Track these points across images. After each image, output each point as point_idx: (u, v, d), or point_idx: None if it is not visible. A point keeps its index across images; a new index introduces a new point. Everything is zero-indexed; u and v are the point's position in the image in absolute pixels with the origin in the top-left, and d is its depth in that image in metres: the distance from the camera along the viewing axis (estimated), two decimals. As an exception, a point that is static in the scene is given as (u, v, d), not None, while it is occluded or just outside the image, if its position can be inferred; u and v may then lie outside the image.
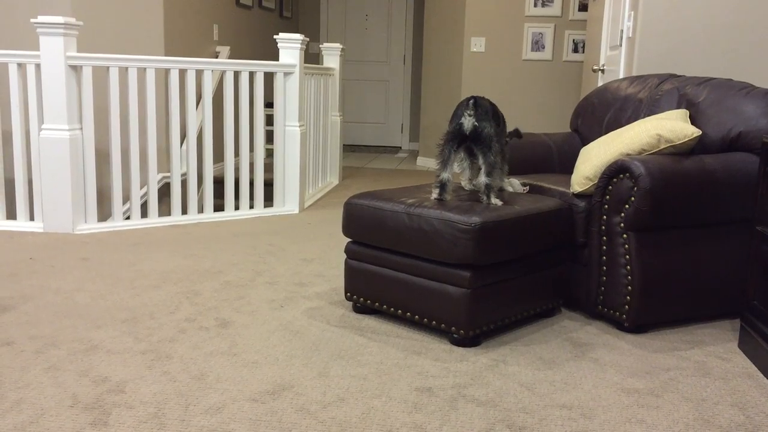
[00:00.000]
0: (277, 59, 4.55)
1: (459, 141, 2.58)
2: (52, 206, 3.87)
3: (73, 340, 2.39)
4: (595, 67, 4.52)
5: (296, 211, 4.63)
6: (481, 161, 2.56)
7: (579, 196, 2.73)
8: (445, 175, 2.57)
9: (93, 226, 3.97)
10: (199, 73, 5.34)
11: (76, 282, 3.04)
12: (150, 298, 2.86)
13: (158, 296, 2.88)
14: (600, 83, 4.49)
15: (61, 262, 3.33)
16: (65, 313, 2.66)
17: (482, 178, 2.56)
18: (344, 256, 3.53)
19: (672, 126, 2.64)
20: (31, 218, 4.28)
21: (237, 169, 5.65)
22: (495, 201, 2.53)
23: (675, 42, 3.65)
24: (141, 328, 2.53)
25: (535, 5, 6.43)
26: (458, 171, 2.75)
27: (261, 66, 4.42)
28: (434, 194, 2.57)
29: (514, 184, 2.84)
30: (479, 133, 2.53)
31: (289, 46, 4.48)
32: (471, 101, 2.55)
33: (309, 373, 2.18)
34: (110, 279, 3.09)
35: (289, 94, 4.51)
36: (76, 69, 3.84)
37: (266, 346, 2.39)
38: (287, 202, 4.63)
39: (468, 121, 2.53)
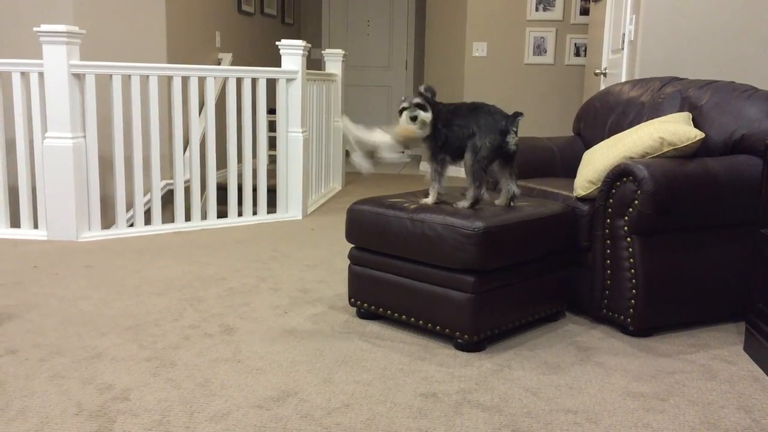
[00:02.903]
0: (280, 65, 4.56)
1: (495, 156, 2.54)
2: (56, 214, 3.88)
3: (78, 348, 2.40)
4: (597, 71, 4.52)
5: (299, 217, 4.64)
6: (509, 173, 2.57)
7: (582, 199, 2.72)
8: (483, 193, 2.51)
9: (97, 234, 3.98)
10: (202, 80, 5.35)
11: (81, 290, 3.04)
12: (154, 305, 2.86)
13: (162, 303, 2.88)
14: (602, 87, 4.49)
15: (65, 269, 3.34)
16: (69, 320, 2.66)
17: (513, 188, 2.59)
18: (348, 261, 3.53)
19: (675, 129, 2.63)
20: (35, 226, 4.28)
21: (240, 176, 5.65)
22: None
23: (677, 45, 3.65)
24: (145, 335, 2.53)
25: (537, 9, 6.44)
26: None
27: (263, 72, 4.43)
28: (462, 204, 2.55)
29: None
30: (516, 149, 2.55)
31: (291, 52, 4.48)
32: (520, 117, 2.50)
33: (313, 379, 2.18)
34: (114, 286, 3.10)
35: (291, 100, 4.52)
36: (79, 77, 3.86)
37: (270, 353, 2.38)
38: (290, 208, 4.63)
39: (513, 140, 2.51)
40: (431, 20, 7.15)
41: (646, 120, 3.08)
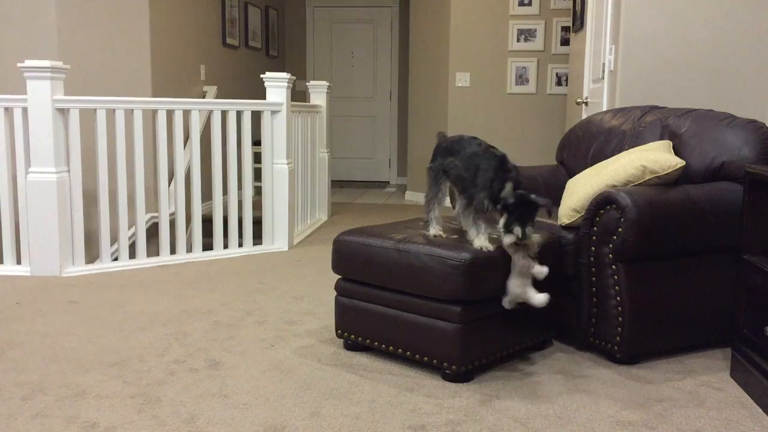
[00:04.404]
0: (265, 98, 4.58)
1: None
2: (40, 249, 3.84)
3: (61, 386, 2.36)
4: (578, 100, 4.58)
5: (285, 248, 4.62)
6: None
7: (567, 228, 2.74)
8: (431, 216, 2.71)
9: (81, 269, 3.94)
10: (187, 113, 5.37)
11: (64, 326, 3.00)
12: (139, 340, 2.83)
13: (147, 338, 2.85)
14: (584, 116, 4.55)
15: (49, 305, 3.30)
16: (53, 357, 2.63)
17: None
18: (334, 293, 3.52)
19: (656, 157, 2.67)
20: (18, 262, 4.24)
21: (225, 208, 5.65)
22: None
23: (656, 74, 3.71)
24: (130, 371, 2.50)
25: (518, 40, 6.53)
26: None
27: (248, 105, 4.45)
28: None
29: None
30: None
31: (276, 84, 4.51)
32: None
33: (301, 413, 2.16)
34: (98, 322, 3.06)
35: (276, 132, 4.54)
36: (63, 112, 3.85)
37: (257, 387, 2.36)
38: (276, 240, 4.62)
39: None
40: (415, 51, 7.23)
41: (628, 148, 3.11)
